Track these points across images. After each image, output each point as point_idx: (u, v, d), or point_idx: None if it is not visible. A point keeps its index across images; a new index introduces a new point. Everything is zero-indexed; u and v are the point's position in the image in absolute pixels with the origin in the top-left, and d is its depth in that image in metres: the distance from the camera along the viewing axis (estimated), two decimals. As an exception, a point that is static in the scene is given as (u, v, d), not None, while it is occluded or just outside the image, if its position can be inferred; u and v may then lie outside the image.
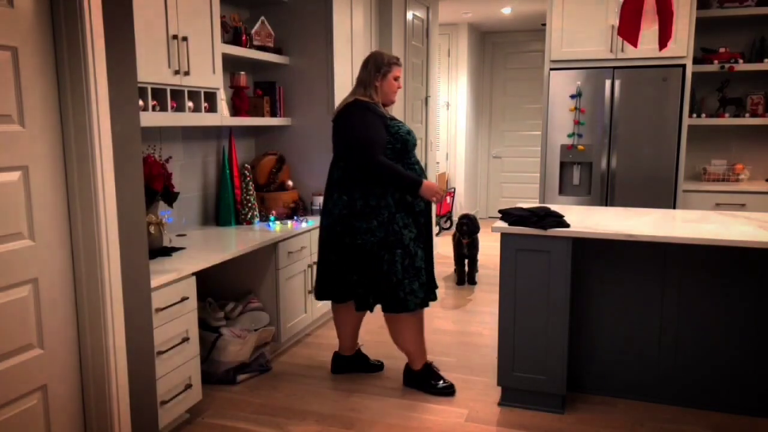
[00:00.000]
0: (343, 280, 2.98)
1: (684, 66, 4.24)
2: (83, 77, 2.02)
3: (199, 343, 2.76)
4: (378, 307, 2.98)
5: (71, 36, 2.00)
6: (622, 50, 4.31)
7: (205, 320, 3.07)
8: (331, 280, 3.03)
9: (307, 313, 3.71)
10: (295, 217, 3.78)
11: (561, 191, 4.60)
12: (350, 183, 2.91)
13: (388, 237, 2.86)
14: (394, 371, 3.29)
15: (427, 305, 2.98)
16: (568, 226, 2.70)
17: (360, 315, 3.18)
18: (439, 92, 7.27)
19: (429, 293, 3.00)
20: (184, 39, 2.86)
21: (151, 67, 2.67)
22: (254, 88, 3.96)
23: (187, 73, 2.89)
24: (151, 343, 2.38)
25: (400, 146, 2.90)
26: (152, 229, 2.73)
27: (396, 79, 2.99)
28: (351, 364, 3.30)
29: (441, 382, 3.06)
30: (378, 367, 3.31)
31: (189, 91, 2.96)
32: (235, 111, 3.66)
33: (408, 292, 2.87)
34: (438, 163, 6.83)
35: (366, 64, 2.99)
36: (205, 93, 3.07)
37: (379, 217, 2.86)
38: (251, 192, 3.66)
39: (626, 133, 4.39)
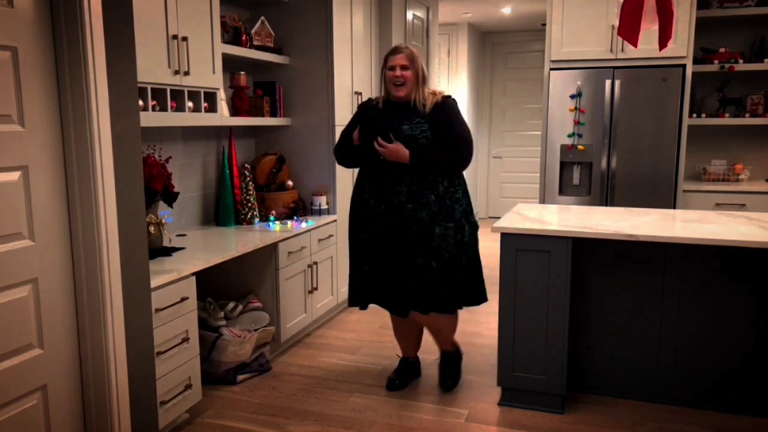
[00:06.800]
0: None
1: (684, 66, 4.24)
2: (83, 77, 2.02)
3: (199, 343, 2.76)
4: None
5: (71, 36, 2.00)
6: (622, 50, 4.31)
7: (205, 320, 3.07)
8: None
9: (307, 313, 3.71)
10: (295, 217, 3.78)
11: (561, 191, 4.60)
12: None
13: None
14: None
15: (358, 306, 3.00)
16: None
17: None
18: (439, 92, 7.25)
19: (361, 296, 2.98)
20: (184, 39, 2.86)
21: (151, 67, 2.67)
22: (254, 88, 3.95)
23: (187, 73, 2.89)
24: (151, 343, 2.38)
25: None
26: (152, 229, 2.73)
27: (391, 69, 2.79)
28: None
29: (392, 374, 3.14)
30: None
31: (189, 91, 2.96)
32: (235, 111, 3.66)
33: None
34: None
35: None
36: (205, 93, 3.07)
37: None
38: (251, 192, 3.65)
39: (626, 133, 4.39)
